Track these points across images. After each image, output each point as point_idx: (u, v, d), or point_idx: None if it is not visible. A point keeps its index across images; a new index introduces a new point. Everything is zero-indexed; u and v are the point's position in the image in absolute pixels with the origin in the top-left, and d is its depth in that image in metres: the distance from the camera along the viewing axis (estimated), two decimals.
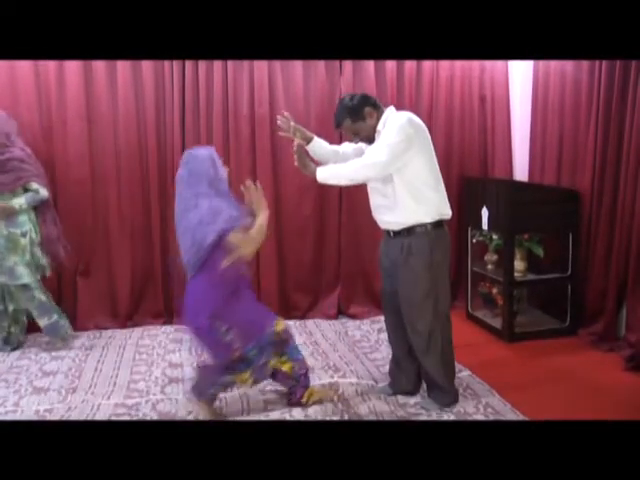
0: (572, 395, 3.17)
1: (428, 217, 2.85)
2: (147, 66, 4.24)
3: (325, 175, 2.85)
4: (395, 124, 2.77)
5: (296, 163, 2.92)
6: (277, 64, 4.39)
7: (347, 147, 3.13)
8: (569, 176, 4.11)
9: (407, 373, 3.15)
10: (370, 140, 2.90)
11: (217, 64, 4.30)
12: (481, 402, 3.08)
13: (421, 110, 4.60)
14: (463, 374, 3.43)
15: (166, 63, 4.27)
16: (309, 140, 3.04)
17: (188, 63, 4.28)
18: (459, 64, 4.62)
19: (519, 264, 4.12)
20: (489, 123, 4.74)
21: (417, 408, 3.04)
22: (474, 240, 4.42)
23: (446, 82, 4.62)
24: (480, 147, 4.78)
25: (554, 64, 4.19)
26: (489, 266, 4.35)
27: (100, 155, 4.30)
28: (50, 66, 4.13)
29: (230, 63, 4.33)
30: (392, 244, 2.95)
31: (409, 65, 4.54)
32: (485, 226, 4.16)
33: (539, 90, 4.40)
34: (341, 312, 4.66)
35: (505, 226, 3.97)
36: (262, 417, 2.95)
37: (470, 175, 4.69)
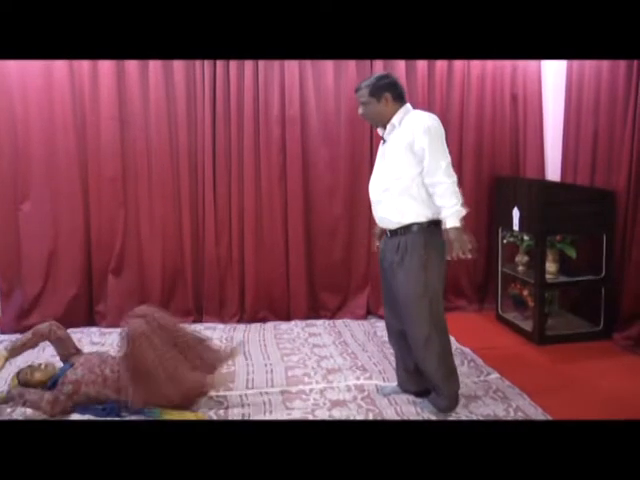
0: (605, 400, 3.11)
1: (428, 215, 2.83)
2: (178, 66, 4.28)
3: (455, 223, 2.75)
4: (430, 130, 2.75)
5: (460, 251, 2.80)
6: (308, 64, 4.39)
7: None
8: (603, 175, 4.03)
9: (414, 374, 3.10)
10: (374, 123, 2.99)
11: (248, 64, 4.32)
12: (511, 405, 3.03)
13: (452, 109, 4.58)
14: (492, 377, 3.39)
15: (197, 63, 4.31)
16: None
17: (219, 63, 4.31)
18: (491, 62, 4.57)
19: (551, 266, 4.06)
20: (521, 122, 4.68)
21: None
22: (505, 241, 4.37)
23: (477, 81, 4.57)
24: (512, 146, 4.72)
25: (589, 61, 4.11)
26: (520, 267, 4.30)
27: (132, 154, 4.36)
28: (84, 67, 4.20)
29: (261, 63, 4.34)
30: (389, 244, 2.95)
31: (440, 64, 4.51)
32: (516, 227, 4.11)
33: (573, 87, 4.32)
34: (370, 312, 4.65)
35: (537, 227, 3.91)
36: (285, 416, 2.96)
37: (501, 174, 4.63)
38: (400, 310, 2.94)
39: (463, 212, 2.77)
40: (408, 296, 2.86)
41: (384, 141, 2.97)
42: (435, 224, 2.86)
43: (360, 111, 2.96)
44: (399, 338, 3.07)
